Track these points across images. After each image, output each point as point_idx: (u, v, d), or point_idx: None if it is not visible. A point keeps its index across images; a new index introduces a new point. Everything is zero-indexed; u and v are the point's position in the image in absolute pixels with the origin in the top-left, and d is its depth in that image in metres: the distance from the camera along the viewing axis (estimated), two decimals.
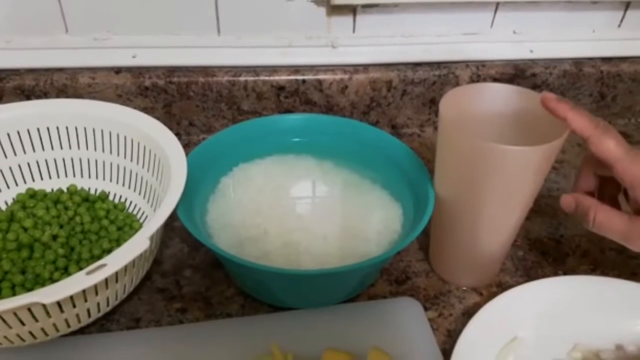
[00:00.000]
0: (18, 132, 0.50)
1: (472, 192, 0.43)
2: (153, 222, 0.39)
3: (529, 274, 0.51)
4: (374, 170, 0.52)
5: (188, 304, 0.47)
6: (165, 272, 0.49)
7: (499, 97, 0.46)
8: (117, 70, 0.62)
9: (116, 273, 0.37)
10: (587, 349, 0.44)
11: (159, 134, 0.48)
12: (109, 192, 0.53)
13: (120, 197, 0.53)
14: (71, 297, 0.37)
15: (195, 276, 0.49)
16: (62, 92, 0.61)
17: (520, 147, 0.39)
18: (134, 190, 0.52)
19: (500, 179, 0.41)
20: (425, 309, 0.47)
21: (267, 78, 0.63)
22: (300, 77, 0.64)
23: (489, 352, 0.42)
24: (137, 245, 0.37)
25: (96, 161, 0.53)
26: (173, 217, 0.42)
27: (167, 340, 0.43)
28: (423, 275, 0.51)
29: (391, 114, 0.68)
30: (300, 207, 0.50)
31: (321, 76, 0.64)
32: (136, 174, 0.51)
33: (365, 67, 0.65)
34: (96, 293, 0.38)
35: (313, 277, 0.41)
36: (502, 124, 0.46)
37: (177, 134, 0.48)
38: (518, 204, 0.43)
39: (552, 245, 0.54)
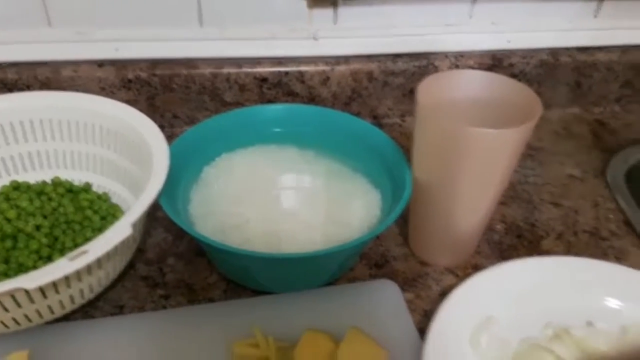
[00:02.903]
0: (1, 125, 0.51)
1: (448, 174, 0.44)
2: (135, 210, 0.40)
3: (504, 257, 0.53)
4: (354, 159, 0.54)
5: (171, 291, 0.48)
6: (149, 261, 0.50)
7: (475, 83, 0.48)
8: (100, 64, 0.63)
9: (98, 260, 0.38)
10: (559, 326, 0.45)
11: (142, 125, 0.49)
12: (92, 184, 0.53)
13: (104, 188, 0.53)
14: (54, 284, 0.38)
15: (178, 264, 0.50)
16: (45, 85, 0.61)
17: (492, 130, 0.41)
18: (118, 181, 0.53)
19: (474, 161, 0.43)
20: (403, 290, 0.49)
21: (249, 70, 0.64)
22: (282, 69, 0.65)
23: (463, 330, 0.44)
24: (119, 232, 0.38)
25: (80, 153, 0.53)
26: (156, 207, 0.43)
27: (150, 326, 0.44)
28: (402, 259, 0.52)
29: (372, 105, 0.69)
30: (283, 196, 0.51)
31: (303, 68, 0.65)
32: (119, 165, 0.52)
33: (347, 59, 0.66)
34: (79, 279, 0.39)
35: (292, 261, 0.42)
36: (478, 109, 0.47)
37: (161, 126, 0.48)
38: (492, 185, 0.45)
39: (527, 229, 0.56)
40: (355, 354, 0.40)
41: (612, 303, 0.47)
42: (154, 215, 0.54)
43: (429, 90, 0.45)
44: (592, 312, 0.46)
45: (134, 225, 0.39)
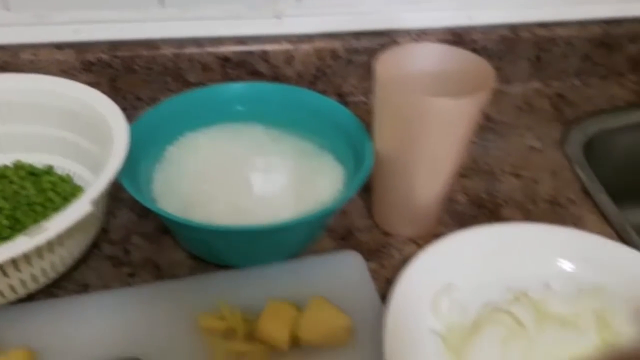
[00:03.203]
0: None
1: (407, 146, 0.45)
2: (95, 188, 0.40)
3: (466, 226, 0.53)
4: (319, 136, 0.54)
5: (137, 269, 0.48)
6: (114, 241, 0.50)
7: (431, 56, 0.49)
8: (60, 46, 0.62)
9: (59, 237, 0.38)
10: (518, 290, 0.47)
11: (102, 105, 0.49)
12: (55, 166, 0.53)
13: (67, 170, 0.53)
14: (14, 261, 0.38)
15: (143, 243, 0.50)
16: (3, 69, 0.60)
17: (448, 99, 0.42)
18: (80, 163, 0.52)
19: (432, 132, 0.44)
20: (367, 260, 0.49)
21: (212, 50, 0.64)
22: (245, 48, 0.65)
23: (424, 296, 0.45)
24: (78, 209, 0.38)
25: (41, 135, 0.53)
26: (120, 188, 0.43)
27: (115, 303, 0.44)
28: (366, 231, 0.53)
29: (337, 83, 0.70)
30: (247, 173, 0.51)
31: (267, 47, 0.65)
32: (81, 147, 0.51)
33: (310, 37, 0.67)
34: (40, 257, 0.39)
35: (253, 234, 0.42)
36: (435, 82, 0.48)
37: (124, 109, 0.48)
38: (450, 155, 0.46)
39: (488, 199, 0.57)
40: (319, 321, 0.41)
41: (568, 266, 0.49)
42: (118, 197, 0.54)
43: (386, 64, 0.46)
44: (549, 275, 0.48)
45: (94, 203, 0.39)
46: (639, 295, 0.46)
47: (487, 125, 0.68)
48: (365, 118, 0.52)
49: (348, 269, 0.48)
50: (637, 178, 0.75)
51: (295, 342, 0.41)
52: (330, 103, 0.53)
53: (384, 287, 0.48)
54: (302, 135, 0.54)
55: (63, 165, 0.53)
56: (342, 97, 0.71)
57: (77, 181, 0.53)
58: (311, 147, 0.53)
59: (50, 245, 0.39)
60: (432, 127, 0.43)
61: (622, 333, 0.43)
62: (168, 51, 0.63)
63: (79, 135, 0.51)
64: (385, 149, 0.47)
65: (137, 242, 0.50)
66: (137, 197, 0.42)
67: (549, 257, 0.49)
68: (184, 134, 0.53)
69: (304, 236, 0.48)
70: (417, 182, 0.48)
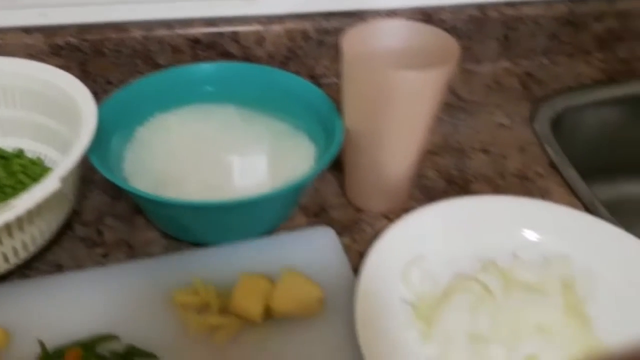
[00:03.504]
0: None
1: (376, 121, 0.46)
2: (63, 165, 0.40)
3: (436, 201, 0.55)
4: (290, 115, 0.54)
5: (110, 250, 0.48)
6: (87, 222, 0.50)
7: (397, 33, 0.49)
8: (28, 30, 0.61)
9: (29, 214, 0.38)
10: (486, 259, 0.48)
11: (70, 86, 0.48)
12: (25, 149, 0.53)
13: (38, 153, 0.53)
14: None
15: (116, 224, 0.50)
16: None
17: (414, 72, 0.42)
18: (50, 145, 0.52)
19: (399, 105, 0.44)
20: (340, 235, 0.50)
21: (182, 32, 0.63)
22: (216, 30, 0.64)
23: (395, 268, 0.46)
24: (47, 186, 0.38)
25: (11, 119, 0.52)
26: (92, 170, 0.43)
27: (90, 282, 0.44)
28: (338, 208, 0.54)
29: (309, 65, 0.70)
30: (219, 153, 0.51)
31: (237, 28, 0.65)
32: (51, 129, 0.51)
33: (281, 18, 0.67)
34: (10, 235, 0.39)
35: (224, 209, 0.43)
36: (401, 58, 0.49)
37: (95, 93, 0.48)
38: (418, 129, 0.47)
39: (457, 175, 0.58)
40: (291, 293, 0.41)
41: (535, 236, 0.50)
42: (90, 179, 0.54)
43: (352, 40, 0.46)
44: (516, 246, 0.49)
45: (63, 180, 0.39)
46: (605, 263, 0.47)
47: (457, 104, 0.69)
48: (337, 99, 0.53)
49: (321, 243, 0.49)
50: (605, 154, 0.78)
51: (269, 315, 0.42)
52: (300, 81, 0.54)
53: (357, 260, 0.48)
54: (274, 115, 0.54)
55: (33, 148, 0.53)
56: (314, 79, 0.71)
57: (48, 164, 0.52)
58: (283, 127, 0.54)
59: (20, 223, 0.39)
60: (399, 101, 0.44)
61: (586, 298, 0.45)
62: (137, 34, 0.62)
63: (49, 117, 0.51)
64: (355, 126, 0.48)
65: (110, 223, 0.50)
66: (107, 175, 0.42)
67: (516, 228, 0.50)
68: (154, 114, 0.53)
69: (277, 212, 0.48)
70: (386, 158, 0.48)
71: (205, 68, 0.55)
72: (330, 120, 0.49)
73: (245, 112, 0.55)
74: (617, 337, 0.42)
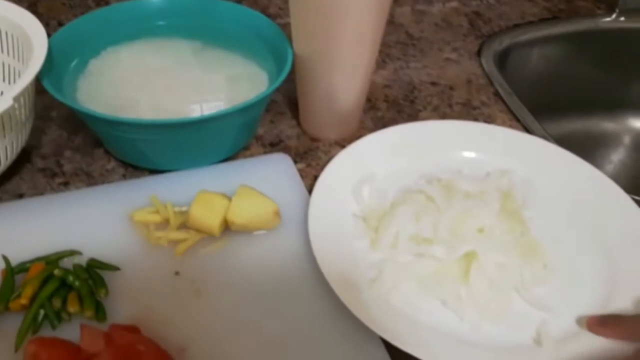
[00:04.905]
0: None
1: (325, 38, 0.47)
2: (18, 84, 0.41)
3: None
4: (240, 46, 0.55)
5: (70, 179, 0.49)
6: (45, 155, 0.51)
7: None
8: None
9: None
10: (431, 176, 0.51)
11: (20, 18, 0.48)
12: None
13: None
14: None
15: (75, 156, 0.52)
16: None
17: None
18: (4, 81, 0.52)
19: (345, 24, 0.46)
20: (295, 162, 0.52)
21: None
22: None
23: (347, 184, 0.49)
24: (1, 104, 0.39)
25: None
26: (49, 107, 0.44)
27: (51, 207, 0.45)
28: (294, 138, 0.56)
29: (263, 4, 0.71)
30: (172, 84, 0.52)
31: None
32: (5, 63, 0.51)
33: None
34: None
35: (177, 129, 0.44)
36: None
37: (48, 35, 0.48)
38: (364, 46, 0.48)
39: (407, 105, 0.61)
40: (247, 205, 0.44)
41: (477, 155, 0.53)
42: (48, 116, 0.54)
43: None
44: (460, 164, 0.52)
45: (16, 99, 0.40)
46: (542, 174, 0.51)
47: (408, 42, 0.71)
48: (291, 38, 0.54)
49: (277, 168, 0.51)
50: (550, 91, 0.81)
51: (227, 228, 0.44)
52: (248, 12, 0.55)
53: (312, 183, 0.51)
54: (224, 47, 0.56)
55: None
56: (270, 19, 0.72)
57: None
58: (234, 57, 0.55)
59: None
60: (344, 18, 0.45)
61: (524, 205, 0.48)
62: None
63: (1, 52, 0.51)
64: (305, 49, 0.49)
65: (69, 155, 0.52)
66: (59, 98, 0.43)
67: (460, 149, 0.53)
68: (106, 48, 0.53)
69: (232, 137, 0.50)
70: (336, 81, 0.50)
71: (156, 2, 0.55)
72: (280, 47, 0.51)
73: (196, 44, 0.56)
74: (551, 237, 0.46)
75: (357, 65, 0.50)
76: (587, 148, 0.81)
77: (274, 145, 0.55)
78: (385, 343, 0.39)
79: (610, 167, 0.84)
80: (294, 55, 0.50)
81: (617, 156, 0.86)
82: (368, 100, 0.60)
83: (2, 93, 0.53)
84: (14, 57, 0.50)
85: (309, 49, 0.49)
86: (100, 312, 0.39)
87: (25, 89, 0.41)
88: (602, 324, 0.40)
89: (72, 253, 0.42)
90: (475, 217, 0.45)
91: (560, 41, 0.78)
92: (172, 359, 0.35)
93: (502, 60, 0.72)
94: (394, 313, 0.41)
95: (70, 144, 0.53)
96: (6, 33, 0.49)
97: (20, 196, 0.47)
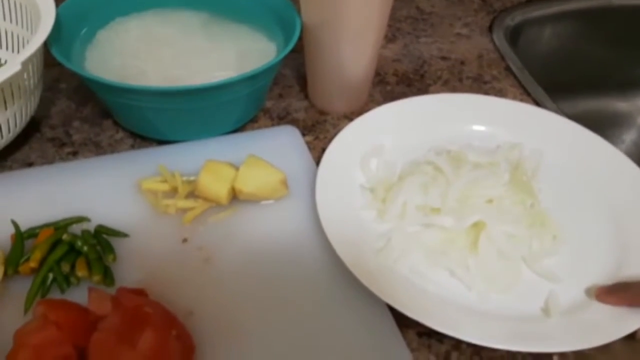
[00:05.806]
0: None
1: (332, 11, 0.47)
2: (25, 50, 0.41)
3: None
4: (247, 16, 0.55)
5: (79, 148, 0.50)
6: (54, 125, 0.52)
7: None
8: None
9: None
10: (440, 148, 0.50)
11: None
12: None
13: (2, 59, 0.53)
14: None
15: (84, 126, 0.52)
16: None
17: None
18: (11, 50, 0.52)
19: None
20: (303, 135, 0.52)
21: None
22: None
23: (354, 156, 0.48)
24: (9, 69, 0.39)
25: None
26: (58, 78, 0.44)
27: (60, 175, 0.46)
28: (302, 111, 0.56)
29: None
30: (179, 53, 0.52)
31: None
32: (12, 33, 0.51)
33: None
34: None
35: (185, 96, 0.44)
36: None
37: (56, 4, 0.48)
38: (373, 16, 0.48)
39: (416, 79, 0.61)
40: (255, 174, 0.43)
41: (488, 128, 0.53)
42: (57, 88, 0.55)
43: None
44: (470, 137, 0.52)
45: (24, 64, 0.40)
46: (552, 146, 0.50)
47: (419, 17, 0.71)
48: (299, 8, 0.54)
49: (285, 139, 0.51)
50: (562, 69, 0.80)
51: (235, 197, 0.44)
52: None
53: (319, 155, 0.51)
54: (232, 18, 0.55)
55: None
56: None
57: None
58: (243, 28, 0.55)
59: None
60: None
61: (534, 176, 0.48)
62: None
63: (8, 21, 0.51)
64: (312, 21, 0.49)
65: (78, 126, 0.52)
66: (67, 64, 0.43)
67: (470, 122, 0.53)
68: (114, 18, 0.53)
69: (240, 107, 0.49)
70: (344, 52, 0.50)
71: None
72: (289, 17, 0.51)
73: (204, 15, 0.56)
74: (560, 208, 0.45)
75: (366, 35, 0.49)
76: (599, 127, 0.79)
77: (282, 118, 0.55)
78: (392, 312, 0.39)
79: (622, 147, 0.83)
80: (303, 26, 0.50)
81: (629, 136, 0.84)
82: (377, 74, 0.59)
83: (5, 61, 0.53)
84: (22, 26, 0.50)
85: (317, 19, 0.49)
86: (108, 276, 0.39)
87: (34, 55, 0.41)
88: (610, 292, 0.39)
89: (81, 219, 0.42)
90: (485, 187, 0.45)
91: (572, 18, 0.77)
92: (179, 321, 0.35)
93: (514, 37, 0.71)
94: (401, 282, 0.41)
95: (79, 114, 0.53)
96: (15, 2, 0.49)
97: (30, 165, 0.48)
